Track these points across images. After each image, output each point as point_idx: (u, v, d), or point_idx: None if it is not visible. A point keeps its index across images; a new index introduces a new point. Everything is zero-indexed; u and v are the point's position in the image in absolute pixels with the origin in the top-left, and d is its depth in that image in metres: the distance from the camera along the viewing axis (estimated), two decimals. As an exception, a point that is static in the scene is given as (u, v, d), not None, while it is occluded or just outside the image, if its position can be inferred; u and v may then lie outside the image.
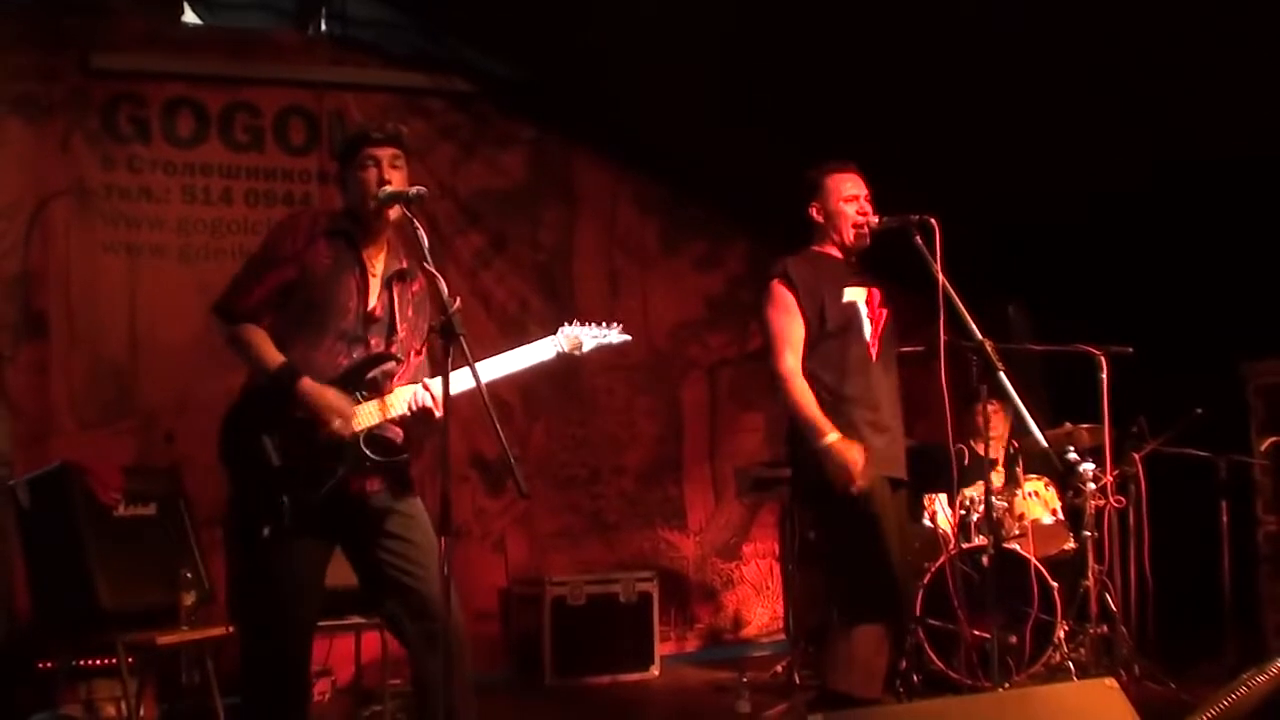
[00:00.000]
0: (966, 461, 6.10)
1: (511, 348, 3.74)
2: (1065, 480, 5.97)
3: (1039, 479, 6.06)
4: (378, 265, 3.67)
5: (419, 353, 3.76)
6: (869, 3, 5.33)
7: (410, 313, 3.71)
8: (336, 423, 3.46)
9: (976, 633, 5.26)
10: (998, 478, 5.93)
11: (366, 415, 3.53)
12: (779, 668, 6.29)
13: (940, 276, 3.98)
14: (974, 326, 3.92)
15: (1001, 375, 3.85)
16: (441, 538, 3.32)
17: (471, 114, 7.11)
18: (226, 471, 3.60)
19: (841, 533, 4.28)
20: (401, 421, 3.59)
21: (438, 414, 3.43)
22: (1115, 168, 5.92)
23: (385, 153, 3.59)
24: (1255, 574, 6.12)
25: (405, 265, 3.71)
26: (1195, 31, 5.04)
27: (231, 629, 5.22)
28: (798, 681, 5.90)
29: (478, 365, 3.37)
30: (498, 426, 3.20)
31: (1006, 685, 5.12)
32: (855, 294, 4.33)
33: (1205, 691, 3.37)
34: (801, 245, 4.46)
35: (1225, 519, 5.81)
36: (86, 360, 6.31)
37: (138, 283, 6.43)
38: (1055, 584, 5.55)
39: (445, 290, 3.37)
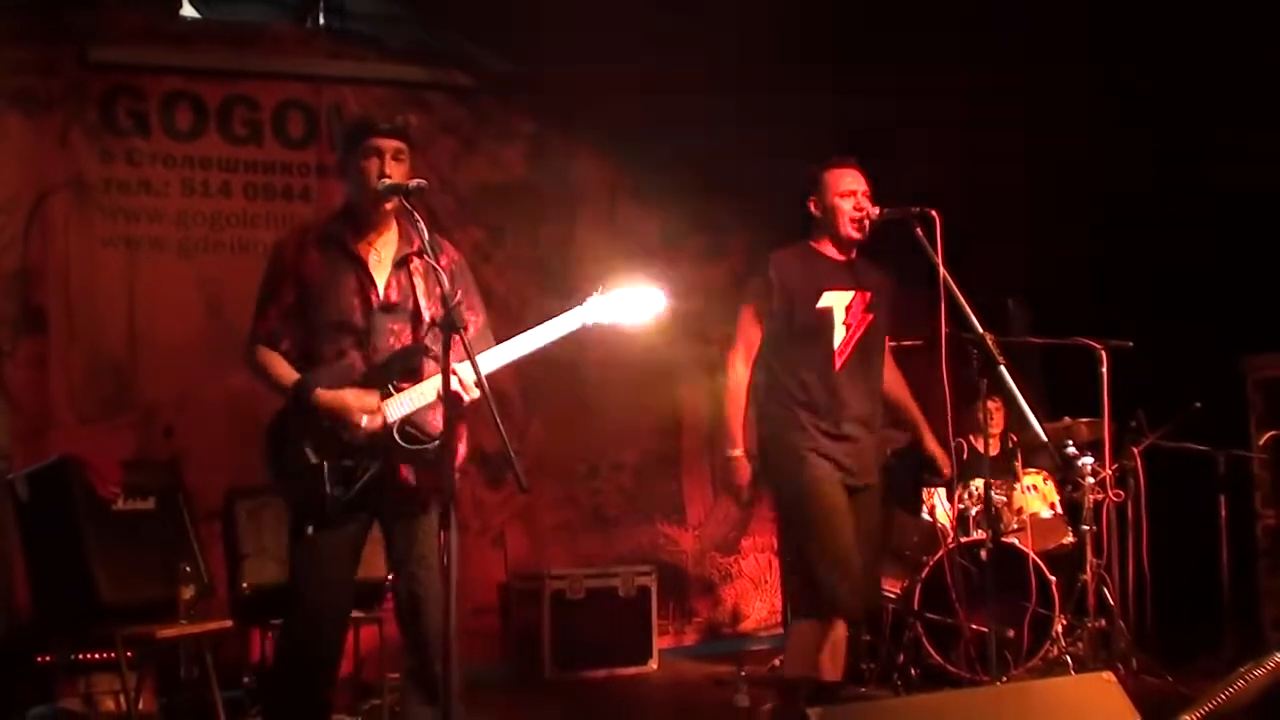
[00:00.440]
0: (966, 456, 6.10)
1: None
2: (1064, 474, 5.97)
3: (1038, 473, 6.06)
4: (383, 253, 3.67)
5: (471, 322, 3.72)
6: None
7: (439, 290, 3.63)
8: (362, 420, 3.48)
9: (975, 627, 5.27)
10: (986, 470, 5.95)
11: (397, 405, 3.54)
12: (777, 662, 6.28)
13: (941, 269, 3.98)
14: (974, 319, 3.92)
15: (1002, 369, 3.85)
16: (442, 532, 3.33)
17: (471, 108, 7.10)
18: (271, 476, 3.65)
19: (797, 534, 4.36)
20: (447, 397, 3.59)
21: (466, 398, 3.43)
22: (1117, 163, 5.93)
23: (390, 145, 3.58)
24: (1253, 568, 6.12)
25: (419, 245, 3.63)
26: (1198, 28, 5.05)
27: (230, 623, 5.25)
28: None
29: (504, 343, 3.47)
30: (498, 420, 3.19)
31: (1004, 679, 5.12)
32: (835, 299, 4.34)
33: (1203, 685, 3.37)
34: (799, 238, 4.47)
35: (1224, 513, 5.82)
36: (85, 354, 6.31)
37: (137, 277, 6.43)
38: (1053, 578, 5.56)
39: (447, 285, 3.37)
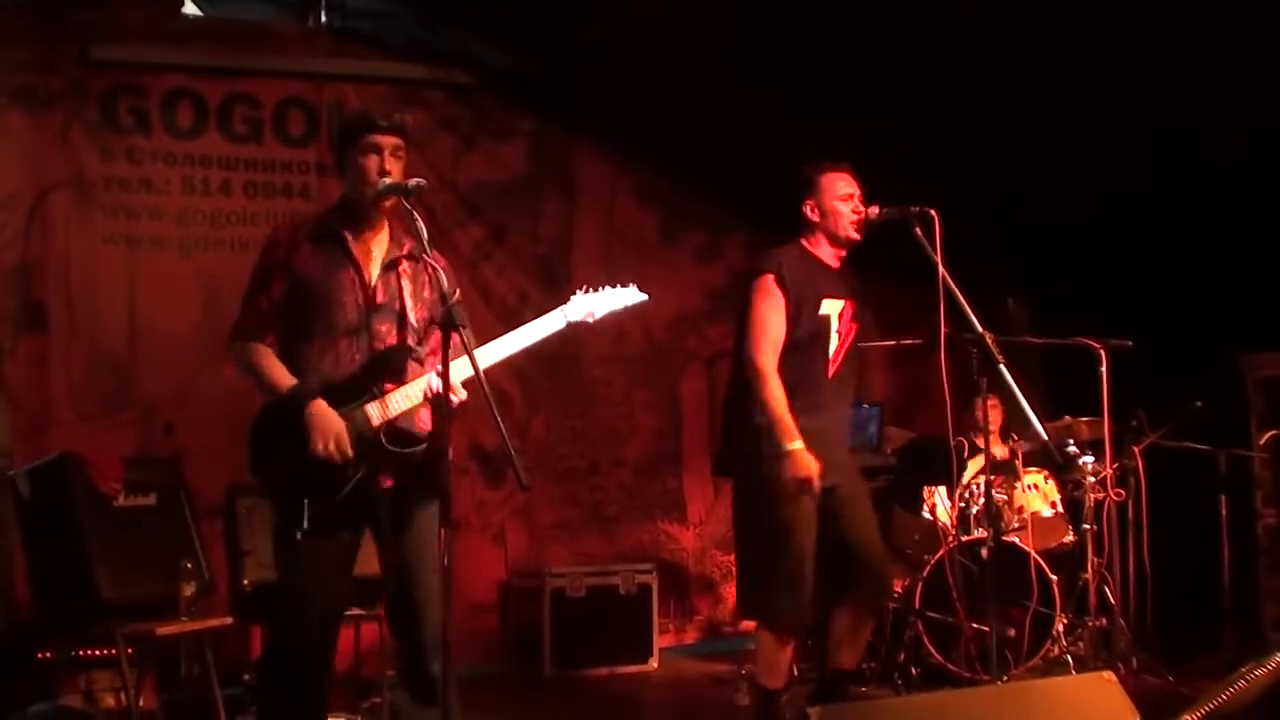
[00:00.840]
0: (966, 454, 6.10)
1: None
2: (1065, 473, 5.97)
3: (1038, 472, 6.06)
4: (376, 252, 3.64)
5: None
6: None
7: (426, 293, 3.65)
8: (320, 448, 3.42)
9: (975, 626, 5.27)
10: (974, 465, 5.96)
11: (387, 407, 3.50)
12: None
13: (941, 269, 3.99)
14: (974, 319, 3.92)
15: (1002, 368, 3.85)
16: (441, 530, 3.31)
17: (471, 106, 7.10)
18: (259, 482, 3.62)
19: (760, 539, 4.33)
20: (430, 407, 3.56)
21: (455, 399, 3.40)
22: (1116, 163, 5.93)
23: (388, 141, 3.56)
24: (1254, 567, 6.13)
25: (409, 248, 3.65)
26: (1196, 29, 5.04)
27: (230, 620, 5.25)
28: (796, 674, 5.90)
29: (486, 345, 3.39)
30: (498, 418, 3.19)
31: (1005, 678, 5.12)
32: (832, 307, 4.34)
33: (1204, 685, 3.37)
34: (793, 237, 4.45)
35: (1224, 512, 5.81)
36: (86, 351, 6.31)
37: (137, 274, 6.43)
38: (1054, 577, 5.56)
39: (446, 282, 3.36)
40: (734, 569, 7.43)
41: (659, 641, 6.75)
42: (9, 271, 6.22)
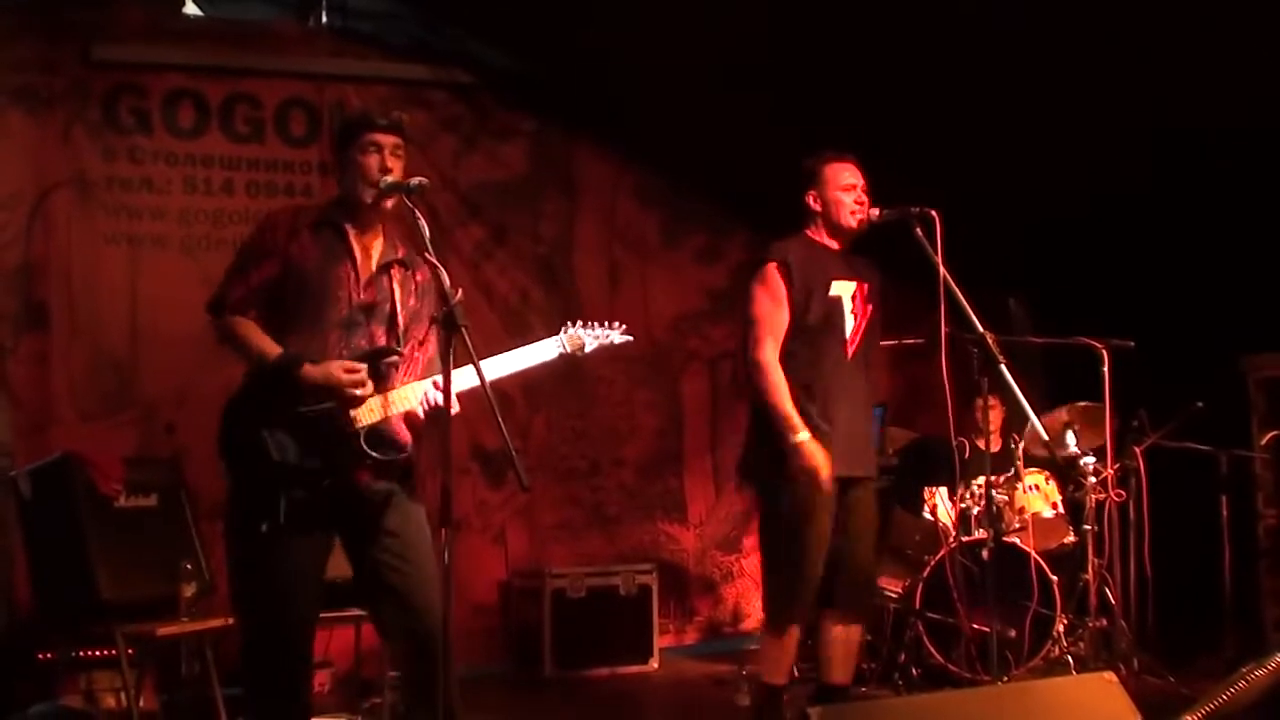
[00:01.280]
0: (967, 455, 6.09)
1: (513, 339, 3.75)
2: (1065, 474, 5.97)
3: (1039, 472, 6.06)
4: (373, 252, 3.61)
5: (422, 344, 3.67)
6: (872, -2, 5.34)
7: (412, 301, 3.64)
8: (359, 391, 3.41)
9: (976, 626, 5.27)
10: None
11: (368, 411, 3.47)
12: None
13: (942, 269, 3.99)
14: (975, 319, 3.92)
15: (1003, 368, 3.85)
16: (442, 529, 3.31)
17: (472, 106, 7.10)
18: (225, 464, 3.56)
19: (777, 532, 4.35)
20: (408, 417, 3.53)
21: (454, 411, 3.35)
22: (1117, 163, 5.92)
23: (388, 140, 3.54)
24: (1255, 568, 6.12)
25: (403, 254, 3.65)
26: (1197, 29, 5.04)
27: (231, 620, 5.24)
28: (796, 675, 5.90)
29: (482, 362, 3.34)
30: (499, 419, 3.18)
31: (1005, 679, 5.12)
32: (842, 289, 4.33)
33: (1204, 685, 3.37)
34: (796, 231, 4.46)
35: (1225, 513, 5.81)
36: (87, 351, 6.32)
37: (139, 274, 6.43)
38: (1055, 578, 5.56)
39: (447, 282, 3.34)
40: (734, 570, 7.52)
41: (659, 642, 6.75)
42: (11, 271, 6.22)
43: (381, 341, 3.58)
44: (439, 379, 3.41)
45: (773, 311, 4.29)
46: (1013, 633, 5.46)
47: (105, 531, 5.01)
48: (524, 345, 3.66)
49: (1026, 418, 3.88)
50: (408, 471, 3.59)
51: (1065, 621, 5.62)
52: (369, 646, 5.82)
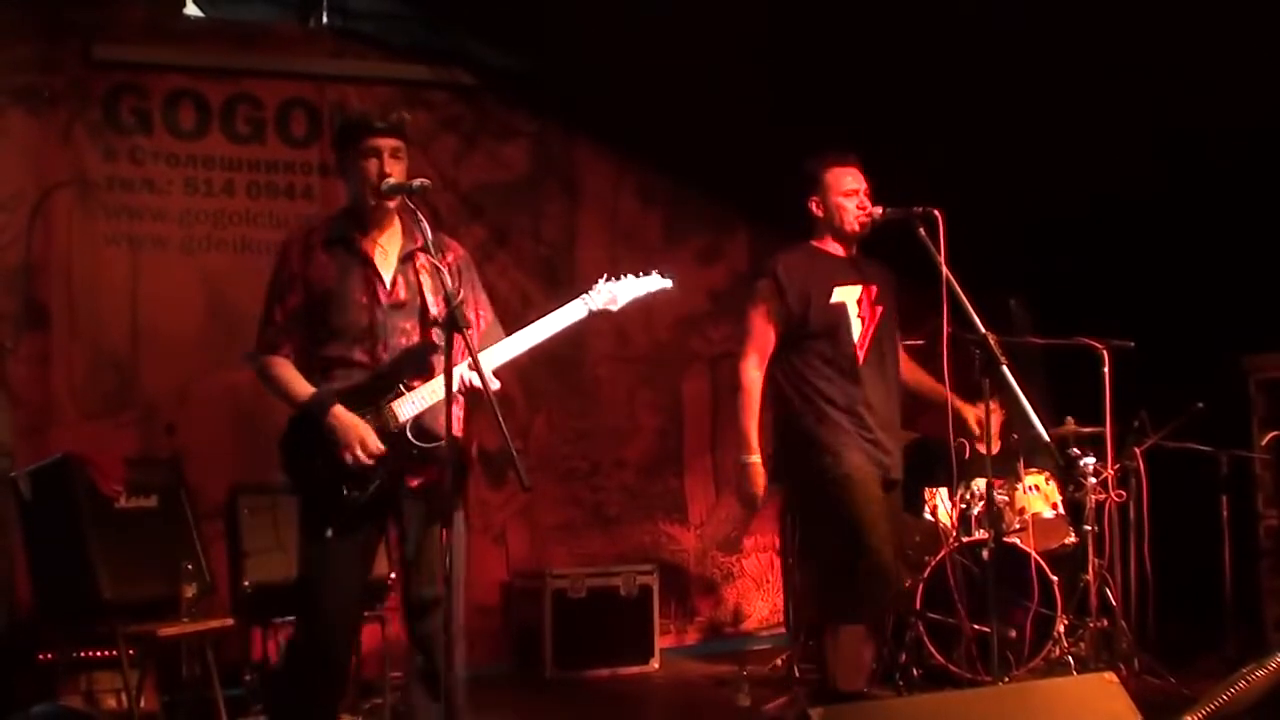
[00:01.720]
0: (968, 456, 6.09)
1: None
2: (1066, 474, 5.97)
3: (1040, 473, 6.06)
4: (390, 249, 3.64)
5: (480, 317, 3.73)
6: (873, -2, 5.34)
7: (450, 283, 3.59)
8: (348, 456, 3.46)
9: (976, 627, 5.26)
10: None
11: (413, 403, 3.52)
12: (779, 661, 6.29)
13: (944, 269, 3.99)
14: (977, 319, 3.92)
15: (1004, 368, 3.85)
16: (443, 530, 3.32)
17: (473, 106, 7.10)
18: (290, 482, 3.65)
19: (824, 534, 4.33)
20: (459, 402, 3.54)
21: (495, 387, 3.40)
22: (1119, 164, 5.92)
23: (387, 144, 3.55)
24: (1255, 569, 6.12)
25: (422, 241, 3.62)
26: (1197, 27, 5.04)
27: (231, 621, 5.25)
28: (798, 675, 5.90)
29: (508, 338, 3.47)
30: (500, 419, 3.19)
31: (1006, 679, 5.12)
32: (846, 294, 4.34)
33: (1205, 686, 3.37)
34: (800, 238, 4.47)
35: (1226, 513, 5.82)
36: (88, 351, 6.32)
37: (139, 274, 6.43)
38: (1055, 578, 5.55)
39: (449, 283, 3.36)
40: (735, 571, 7.51)
41: (660, 642, 6.74)
42: (11, 271, 6.22)
43: (416, 336, 3.61)
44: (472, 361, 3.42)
45: (761, 328, 4.38)
46: (1013, 633, 5.46)
47: (106, 532, 5.01)
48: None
49: (1028, 418, 3.87)
50: (457, 455, 3.56)
51: (1066, 622, 5.62)
52: (369, 647, 5.81)
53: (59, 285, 6.29)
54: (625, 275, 3.77)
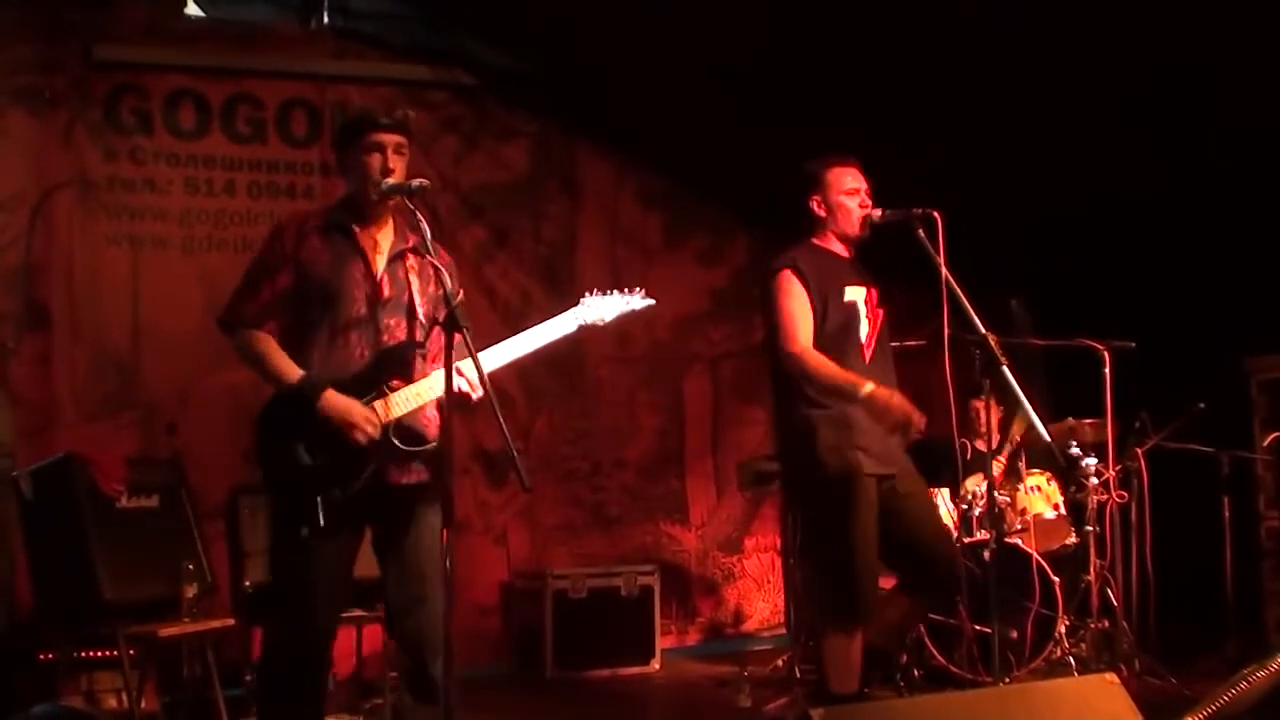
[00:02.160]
0: (969, 456, 6.09)
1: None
2: (1067, 475, 5.97)
3: (1041, 474, 6.06)
4: (383, 246, 3.63)
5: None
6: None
7: (432, 288, 3.63)
8: (360, 435, 3.43)
9: (977, 627, 5.26)
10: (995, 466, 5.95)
11: (395, 405, 3.49)
12: (780, 662, 6.29)
13: (944, 270, 3.99)
14: (977, 320, 3.92)
15: (1005, 369, 3.85)
16: (443, 530, 3.31)
17: (474, 106, 7.10)
18: (262, 473, 3.58)
19: (820, 535, 4.33)
20: (437, 405, 3.53)
21: (475, 396, 3.39)
22: (1119, 164, 5.92)
23: (391, 140, 3.54)
24: (1257, 569, 6.13)
25: (414, 242, 3.63)
26: (1198, 29, 5.04)
27: (232, 621, 5.25)
28: (799, 676, 5.90)
29: (499, 345, 3.42)
30: (500, 419, 3.18)
31: (1007, 680, 5.12)
32: (856, 294, 4.34)
33: (1206, 686, 3.37)
34: (801, 238, 4.45)
35: (1227, 514, 5.82)
36: (89, 352, 6.32)
37: (140, 274, 6.43)
38: (1057, 579, 5.56)
39: (449, 283, 3.35)
40: (736, 571, 7.51)
41: (661, 643, 6.75)
42: (12, 271, 6.22)
43: (403, 334, 3.59)
44: (461, 365, 3.40)
45: (800, 309, 4.23)
46: (1014, 634, 5.46)
47: (107, 532, 5.01)
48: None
49: (1028, 419, 3.87)
50: (439, 460, 3.54)
51: (1067, 623, 5.62)
52: (370, 648, 5.82)
53: (60, 286, 6.29)
54: (611, 291, 3.73)
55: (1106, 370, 5.46)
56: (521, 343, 3.63)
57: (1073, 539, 5.99)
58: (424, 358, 3.61)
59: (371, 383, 3.51)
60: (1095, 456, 5.73)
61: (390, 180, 3.51)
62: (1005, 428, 6.11)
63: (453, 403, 3.27)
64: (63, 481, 5.06)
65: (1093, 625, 5.64)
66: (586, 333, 3.72)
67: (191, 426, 6.13)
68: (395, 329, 3.58)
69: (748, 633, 7.50)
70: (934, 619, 5.50)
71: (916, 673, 5.58)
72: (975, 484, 5.94)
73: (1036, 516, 5.91)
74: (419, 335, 3.60)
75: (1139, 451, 5.76)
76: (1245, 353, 6.17)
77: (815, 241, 4.42)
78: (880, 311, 4.40)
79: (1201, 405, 5.62)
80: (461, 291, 3.41)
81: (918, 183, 4.42)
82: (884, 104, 5.83)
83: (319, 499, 3.42)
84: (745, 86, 6.19)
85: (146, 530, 5.18)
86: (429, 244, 3.35)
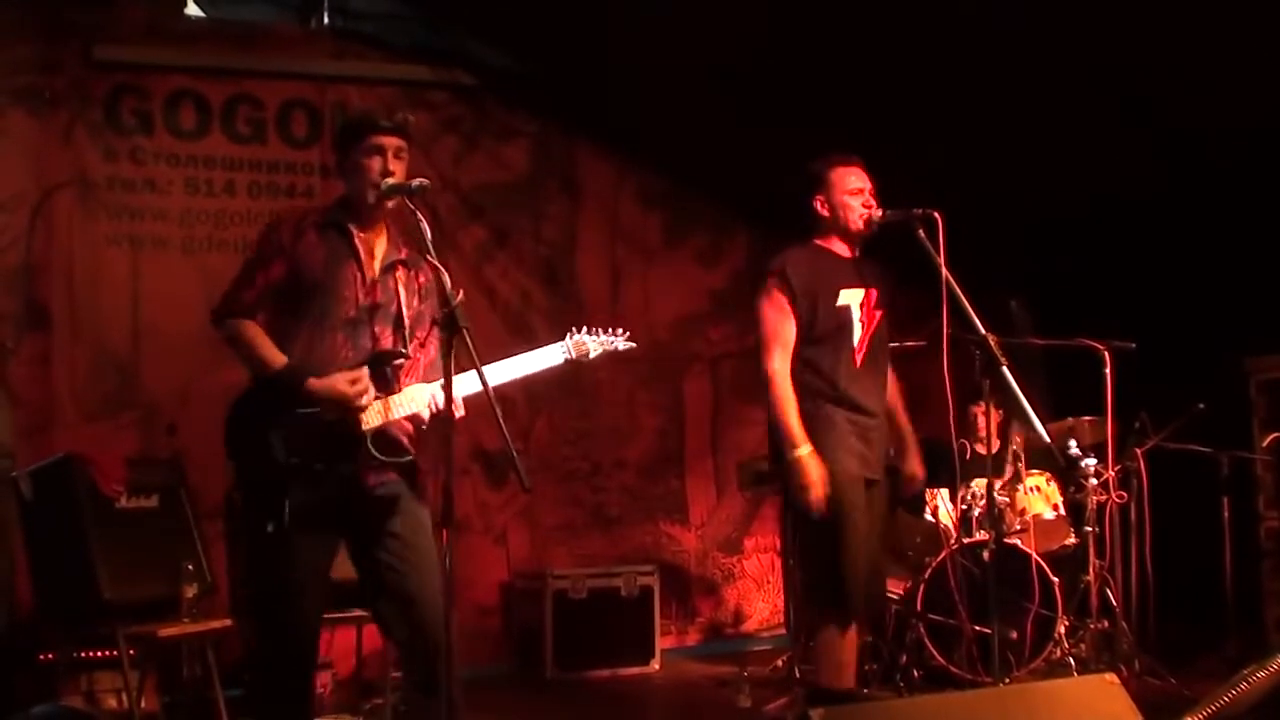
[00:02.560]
0: (969, 457, 6.09)
1: (515, 341, 3.75)
2: (1067, 475, 5.97)
3: (1041, 474, 6.06)
4: (377, 252, 3.62)
5: (424, 346, 3.68)
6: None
7: (416, 302, 3.65)
8: (362, 402, 3.42)
9: (977, 628, 5.26)
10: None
11: (374, 414, 3.48)
12: (780, 662, 6.29)
13: (944, 271, 3.99)
14: (977, 320, 3.92)
15: (1005, 370, 3.85)
16: (444, 530, 3.31)
17: (474, 107, 7.10)
18: (232, 465, 3.59)
19: (811, 533, 4.35)
20: (413, 419, 3.52)
21: (459, 414, 3.36)
22: (1119, 164, 5.92)
23: (391, 142, 3.54)
24: (1257, 570, 6.13)
25: (406, 254, 3.65)
26: (1197, 27, 5.04)
27: (232, 622, 5.25)
28: (798, 676, 5.90)
29: (487, 366, 3.35)
30: (500, 420, 3.18)
31: (1007, 680, 5.12)
32: (851, 296, 4.34)
33: (1206, 687, 3.37)
34: (803, 237, 4.46)
35: (1227, 514, 5.82)
36: (89, 352, 6.32)
37: (140, 274, 6.44)
38: (1056, 579, 5.56)
39: (449, 283, 3.34)
40: (736, 571, 7.51)
41: (660, 643, 6.75)
42: (12, 272, 6.22)
43: (388, 342, 3.59)
44: (434, 390, 3.43)
45: (780, 322, 4.32)
46: (1014, 634, 5.46)
47: (107, 532, 5.01)
48: (528, 350, 3.66)
49: (1028, 419, 3.88)
50: (412, 473, 3.60)
51: (1067, 623, 5.63)
52: (371, 648, 5.82)
53: (60, 286, 6.29)
54: (595, 331, 3.73)
55: (1106, 370, 5.46)
56: (509, 368, 3.60)
57: (1072, 539, 5.99)
58: (404, 373, 3.60)
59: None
60: (1095, 457, 5.73)
61: (390, 180, 3.51)
62: (1005, 432, 6.11)
63: (450, 405, 3.27)
64: (62, 482, 5.06)
65: (1092, 625, 5.64)
66: (570, 366, 3.71)
67: (191, 427, 6.11)
68: (381, 337, 3.58)
69: (747, 633, 7.50)
70: (934, 619, 5.51)
71: (916, 673, 5.58)
72: (978, 485, 5.94)
73: (1036, 517, 5.92)
74: (401, 347, 3.59)
75: (1139, 452, 5.76)
76: (1245, 353, 6.17)
77: (817, 241, 4.43)
78: (877, 314, 4.40)
79: (1201, 405, 5.62)
80: (461, 291, 3.41)
81: (918, 183, 4.42)
82: (884, 104, 5.83)
83: (287, 497, 3.40)
84: (745, 86, 6.19)
85: (146, 530, 5.19)
86: (429, 246, 3.34)
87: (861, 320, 4.36)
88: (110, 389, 6.33)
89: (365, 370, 3.48)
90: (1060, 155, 5.93)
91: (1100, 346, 5.49)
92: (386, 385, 3.54)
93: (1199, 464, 5.82)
